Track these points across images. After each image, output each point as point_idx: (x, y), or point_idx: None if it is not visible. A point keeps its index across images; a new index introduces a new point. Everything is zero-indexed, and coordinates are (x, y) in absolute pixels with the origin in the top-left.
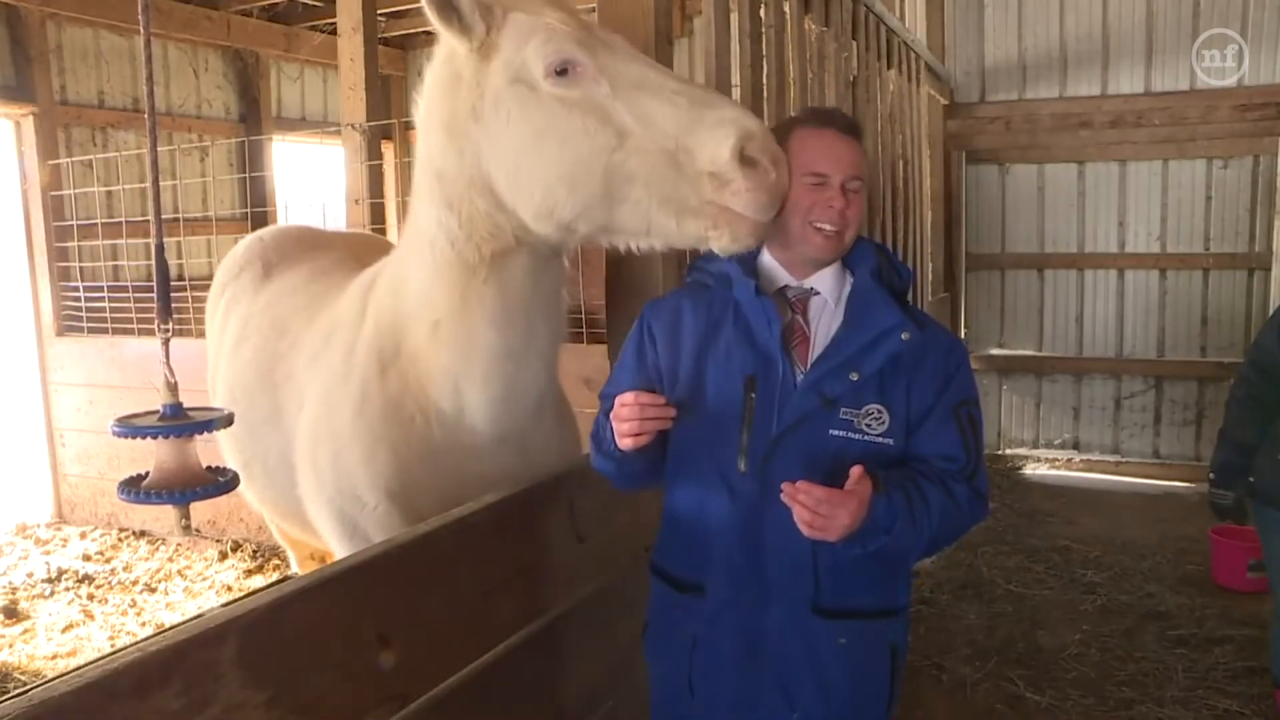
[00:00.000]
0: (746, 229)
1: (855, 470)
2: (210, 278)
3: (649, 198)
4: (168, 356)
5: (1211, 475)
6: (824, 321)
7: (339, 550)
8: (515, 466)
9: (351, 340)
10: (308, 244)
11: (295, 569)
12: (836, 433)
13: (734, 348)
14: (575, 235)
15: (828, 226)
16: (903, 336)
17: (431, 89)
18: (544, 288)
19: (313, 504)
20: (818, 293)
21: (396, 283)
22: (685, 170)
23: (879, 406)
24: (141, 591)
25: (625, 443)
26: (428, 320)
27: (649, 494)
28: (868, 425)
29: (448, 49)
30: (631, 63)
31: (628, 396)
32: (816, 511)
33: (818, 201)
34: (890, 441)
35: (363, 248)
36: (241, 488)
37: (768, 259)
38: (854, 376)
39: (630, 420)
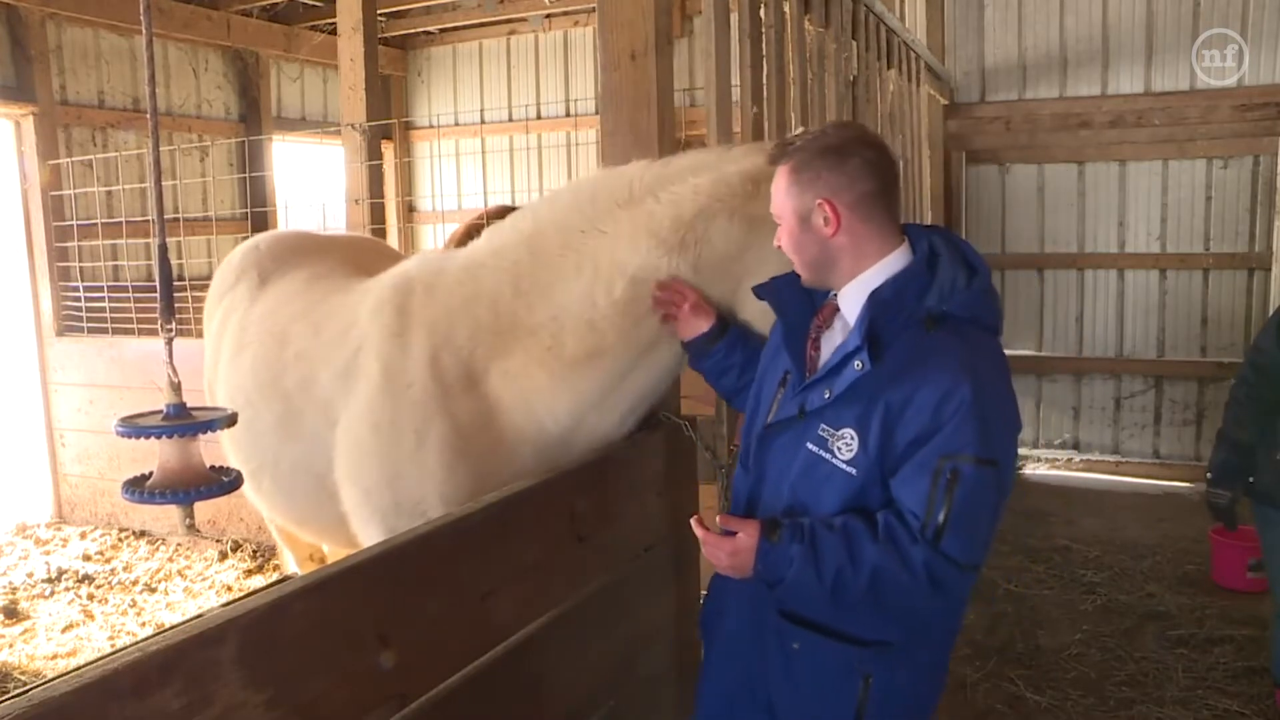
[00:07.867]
0: None
1: (742, 522)
2: (210, 278)
3: None
4: (171, 356)
5: (1209, 475)
6: (836, 335)
7: None
8: None
9: (393, 354)
10: (303, 250)
11: (294, 569)
12: (811, 447)
13: (788, 344)
14: None
15: None
16: (854, 365)
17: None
18: None
19: (358, 518)
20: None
21: (503, 304)
22: None
23: (852, 432)
24: (141, 591)
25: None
26: (578, 349)
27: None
28: (838, 448)
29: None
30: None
31: (677, 281)
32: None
33: None
34: (853, 471)
35: (359, 251)
36: (249, 494)
37: None
38: (826, 394)
39: (659, 299)
